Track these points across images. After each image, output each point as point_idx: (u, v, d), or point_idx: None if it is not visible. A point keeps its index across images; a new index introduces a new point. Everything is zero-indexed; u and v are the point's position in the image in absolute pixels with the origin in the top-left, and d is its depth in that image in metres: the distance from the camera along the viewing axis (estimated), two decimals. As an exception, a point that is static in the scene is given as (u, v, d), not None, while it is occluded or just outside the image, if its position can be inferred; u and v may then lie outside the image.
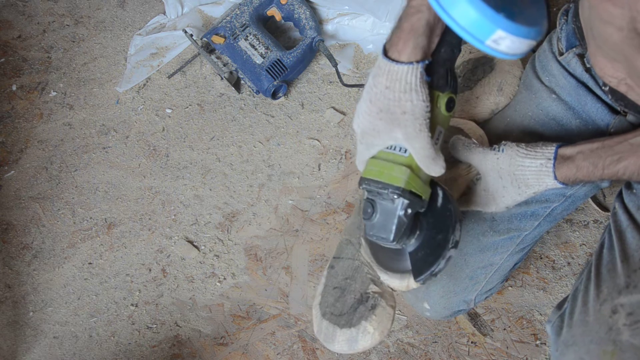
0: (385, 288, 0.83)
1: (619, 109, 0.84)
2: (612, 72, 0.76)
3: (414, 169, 0.73)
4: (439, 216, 0.77)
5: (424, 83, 0.70)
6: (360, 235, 0.89)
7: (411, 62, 0.69)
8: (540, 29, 0.61)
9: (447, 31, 0.73)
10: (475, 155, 0.83)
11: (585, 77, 0.86)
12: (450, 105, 0.76)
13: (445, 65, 0.75)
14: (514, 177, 0.79)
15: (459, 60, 1.00)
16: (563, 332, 0.83)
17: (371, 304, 0.81)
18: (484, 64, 0.97)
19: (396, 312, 1.23)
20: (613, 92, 0.80)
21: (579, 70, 0.86)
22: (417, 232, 0.78)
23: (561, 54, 0.88)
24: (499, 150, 0.81)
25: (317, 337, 0.85)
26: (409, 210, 0.74)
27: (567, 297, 0.89)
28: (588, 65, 0.85)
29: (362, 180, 0.75)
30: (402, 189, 0.72)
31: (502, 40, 0.59)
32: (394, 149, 0.74)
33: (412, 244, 0.78)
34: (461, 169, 0.87)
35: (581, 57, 0.86)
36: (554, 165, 0.77)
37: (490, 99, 0.93)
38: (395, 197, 0.73)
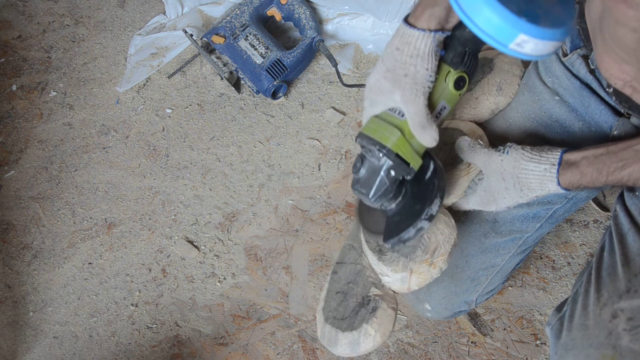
0: (386, 290, 0.83)
1: (622, 111, 0.83)
2: (618, 74, 0.75)
3: (405, 133, 0.74)
4: (422, 187, 0.78)
5: (433, 53, 0.71)
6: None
7: (424, 30, 0.70)
8: (566, 29, 0.61)
9: None
10: (480, 155, 0.83)
11: (589, 79, 0.86)
12: (459, 84, 0.76)
13: (467, 45, 0.75)
14: (517, 180, 0.79)
15: None
16: (562, 335, 0.83)
17: (372, 306, 0.81)
18: (483, 65, 0.97)
19: (397, 313, 1.24)
20: (617, 93, 0.80)
21: (583, 71, 0.86)
22: (400, 199, 0.79)
23: (565, 55, 0.88)
24: (503, 152, 0.81)
25: (321, 341, 0.86)
26: (392, 173, 0.75)
27: (566, 299, 0.89)
28: (592, 67, 0.84)
29: (358, 135, 0.77)
30: (388, 148, 0.74)
31: (526, 44, 0.59)
32: (394, 112, 0.76)
33: (392, 208, 0.79)
34: (460, 169, 0.87)
35: (585, 58, 0.85)
36: (558, 171, 0.76)
37: (490, 99, 0.93)
38: (381, 155, 0.74)
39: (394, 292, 0.83)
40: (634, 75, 0.74)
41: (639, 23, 0.63)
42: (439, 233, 0.81)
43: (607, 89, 0.83)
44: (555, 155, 0.77)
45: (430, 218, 0.76)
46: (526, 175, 0.79)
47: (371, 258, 0.84)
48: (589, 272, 0.85)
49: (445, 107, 0.77)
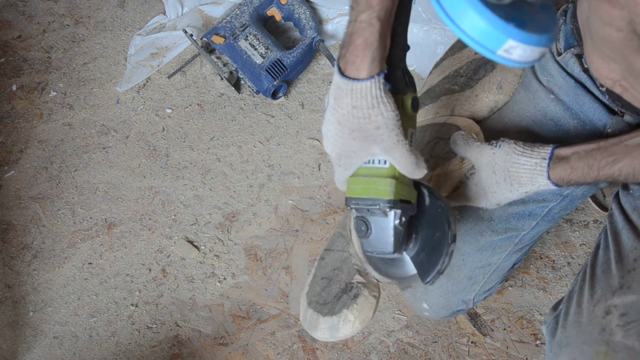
0: (370, 279, 0.84)
1: (616, 109, 0.84)
2: (607, 73, 0.75)
3: (397, 177, 0.73)
4: (430, 215, 0.78)
5: (388, 93, 0.69)
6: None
7: (372, 77, 0.67)
8: (552, 35, 0.61)
9: (395, 33, 0.72)
10: (473, 149, 0.83)
11: (583, 78, 0.86)
12: (414, 105, 0.75)
13: (400, 66, 0.74)
14: (508, 173, 0.80)
15: (463, 61, 1.01)
16: (557, 333, 0.83)
17: (354, 293, 0.82)
18: (486, 64, 0.98)
19: (396, 311, 1.23)
20: (610, 92, 0.80)
21: (576, 70, 0.86)
22: (414, 236, 0.79)
23: (559, 54, 0.88)
24: (496, 146, 0.81)
25: (302, 324, 0.87)
26: (403, 219, 0.75)
27: (562, 298, 0.89)
28: (586, 66, 0.85)
29: (350, 200, 0.75)
30: (392, 200, 0.73)
31: (514, 50, 0.58)
32: (373, 163, 0.74)
33: (411, 248, 0.79)
34: (453, 164, 0.87)
35: (579, 57, 0.86)
36: (548, 165, 0.77)
37: (490, 96, 0.94)
38: (388, 209, 0.73)
39: (377, 280, 0.84)
40: (622, 75, 0.73)
41: (624, 22, 0.62)
42: None
43: (600, 88, 0.83)
44: (546, 150, 0.77)
45: (455, 238, 0.76)
46: (517, 169, 0.79)
47: (358, 247, 0.84)
48: (584, 271, 0.85)
49: (412, 133, 0.76)
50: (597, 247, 0.86)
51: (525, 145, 0.79)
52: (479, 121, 0.96)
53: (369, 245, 0.77)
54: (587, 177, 0.75)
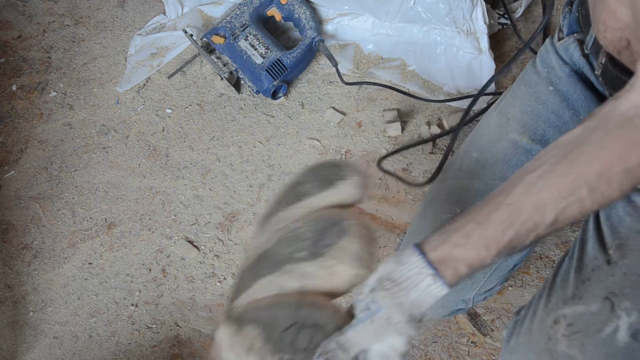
0: None
1: (607, 94, 0.84)
2: (614, 23, 0.71)
3: None
4: None
5: None
6: None
7: None
8: None
9: None
10: (353, 338, 0.63)
11: (582, 63, 0.87)
12: None
13: None
14: (409, 317, 0.63)
15: (301, 220, 0.78)
16: (512, 339, 0.83)
17: None
18: (335, 225, 0.75)
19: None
20: (604, 74, 0.80)
21: (576, 55, 0.87)
22: None
23: (560, 38, 0.90)
24: (374, 317, 0.63)
25: None
26: None
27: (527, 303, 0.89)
28: (586, 51, 0.85)
29: None
30: None
31: None
32: None
33: None
34: None
35: (581, 42, 0.87)
36: (439, 276, 0.62)
37: (348, 270, 0.73)
38: None
39: None
40: (628, 22, 0.70)
41: None
42: None
43: (596, 72, 0.83)
44: (417, 264, 0.62)
45: None
46: (415, 310, 0.63)
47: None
48: (548, 278, 0.85)
49: None
50: (566, 253, 0.85)
51: (393, 275, 0.64)
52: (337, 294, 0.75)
53: None
54: (486, 259, 0.61)
